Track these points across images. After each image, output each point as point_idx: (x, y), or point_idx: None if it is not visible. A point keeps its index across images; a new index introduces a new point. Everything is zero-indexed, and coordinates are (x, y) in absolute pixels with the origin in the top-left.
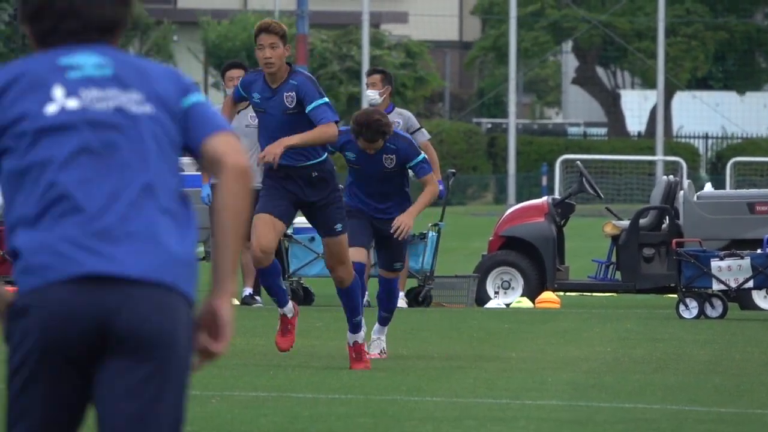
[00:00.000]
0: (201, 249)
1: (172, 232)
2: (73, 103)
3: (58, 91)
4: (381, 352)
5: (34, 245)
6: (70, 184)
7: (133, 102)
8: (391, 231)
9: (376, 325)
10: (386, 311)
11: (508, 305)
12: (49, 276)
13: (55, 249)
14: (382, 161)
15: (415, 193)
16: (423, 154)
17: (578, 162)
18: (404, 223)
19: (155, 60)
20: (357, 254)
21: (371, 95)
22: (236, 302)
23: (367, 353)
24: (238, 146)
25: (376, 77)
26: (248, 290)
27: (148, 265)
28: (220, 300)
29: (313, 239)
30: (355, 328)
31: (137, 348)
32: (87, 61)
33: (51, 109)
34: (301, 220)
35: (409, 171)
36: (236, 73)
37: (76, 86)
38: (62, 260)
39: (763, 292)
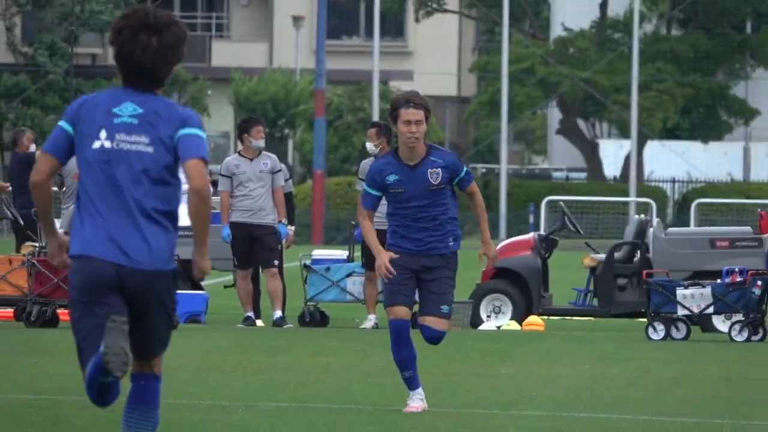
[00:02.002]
0: (230, 277)
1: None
2: (108, 142)
3: (103, 133)
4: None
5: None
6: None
7: (143, 142)
8: (484, 263)
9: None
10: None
11: (498, 328)
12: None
13: None
14: (427, 176)
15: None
16: (466, 168)
17: (561, 202)
18: (491, 253)
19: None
20: (398, 311)
21: (368, 146)
22: (261, 323)
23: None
24: (202, 171)
25: (372, 131)
26: (278, 313)
27: (140, 256)
28: (196, 256)
29: (329, 269)
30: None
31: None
32: (127, 109)
33: (95, 145)
34: (317, 252)
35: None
36: (259, 130)
37: (115, 130)
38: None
39: (722, 317)
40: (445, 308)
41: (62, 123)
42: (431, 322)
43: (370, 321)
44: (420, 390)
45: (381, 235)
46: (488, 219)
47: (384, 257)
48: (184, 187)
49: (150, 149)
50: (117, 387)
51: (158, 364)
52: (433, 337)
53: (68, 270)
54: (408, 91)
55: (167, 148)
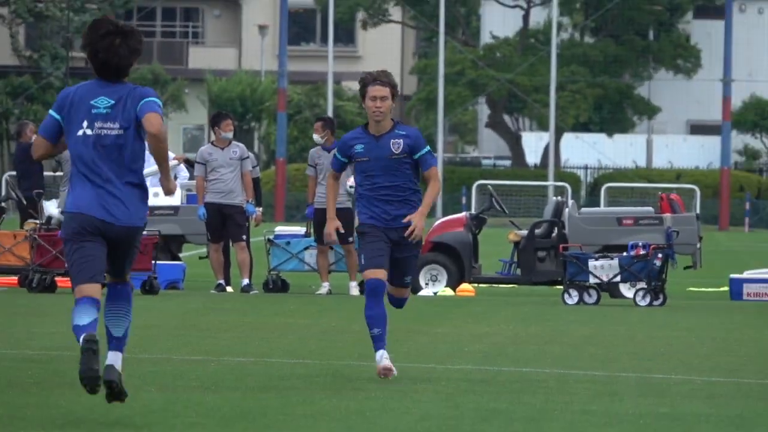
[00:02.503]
0: (204, 250)
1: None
2: (88, 130)
3: (85, 123)
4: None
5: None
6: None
7: (115, 129)
8: (405, 235)
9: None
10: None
11: (435, 293)
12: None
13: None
14: (390, 145)
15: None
16: (429, 147)
17: (489, 186)
18: (416, 224)
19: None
20: (375, 272)
21: (315, 137)
22: (231, 289)
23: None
24: (156, 120)
25: (318, 124)
26: (246, 280)
27: (120, 215)
28: (163, 181)
29: (289, 243)
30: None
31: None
32: (102, 102)
33: (79, 132)
34: (279, 228)
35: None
36: (228, 123)
37: (93, 119)
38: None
39: (627, 285)
40: (407, 279)
41: (52, 112)
42: (395, 291)
43: (324, 288)
44: (385, 351)
45: (342, 212)
46: (420, 198)
47: (331, 225)
48: (154, 168)
49: (121, 131)
50: (94, 325)
51: (127, 277)
52: (398, 302)
53: (63, 221)
54: (378, 70)
55: (135, 126)
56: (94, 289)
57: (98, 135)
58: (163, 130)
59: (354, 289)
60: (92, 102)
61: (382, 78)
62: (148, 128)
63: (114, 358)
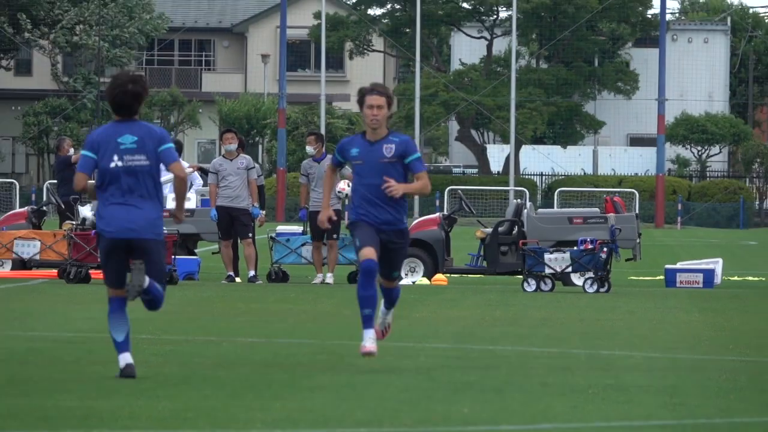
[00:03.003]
0: (216, 246)
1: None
2: (119, 162)
3: (115, 156)
4: (384, 328)
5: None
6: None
7: (141, 161)
8: (383, 187)
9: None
10: (389, 305)
11: (413, 282)
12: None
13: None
14: (382, 150)
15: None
16: (419, 154)
17: (459, 191)
18: (397, 186)
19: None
20: (368, 253)
21: (308, 149)
22: (239, 280)
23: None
24: (180, 167)
25: (311, 137)
26: (252, 272)
27: (142, 228)
28: (176, 212)
29: (288, 240)
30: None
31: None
32: (127, 139)
33: (111, 165)
34: (280, 228)
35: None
36: (230, 136)
37: (122, 153)
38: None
39: (578, 275)
40: (395, 274)
41: (86, 152)
42: (385, 283)
43: (318, 278)
44: (372, 331)
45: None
46: (406, 203)
47: (325, 214)
48: (170, 176)
49: (146, 163)
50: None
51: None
52: (388, 292)
53: (100, 241)
54: (375, 82)
55: (155, 158)
56: (121, 292)
57: (126, 165)
58: (184, 175)
59: (330, 279)
60: (119, 140)
61: (379, 89)
62: (177, 174)
63: (124, 358)
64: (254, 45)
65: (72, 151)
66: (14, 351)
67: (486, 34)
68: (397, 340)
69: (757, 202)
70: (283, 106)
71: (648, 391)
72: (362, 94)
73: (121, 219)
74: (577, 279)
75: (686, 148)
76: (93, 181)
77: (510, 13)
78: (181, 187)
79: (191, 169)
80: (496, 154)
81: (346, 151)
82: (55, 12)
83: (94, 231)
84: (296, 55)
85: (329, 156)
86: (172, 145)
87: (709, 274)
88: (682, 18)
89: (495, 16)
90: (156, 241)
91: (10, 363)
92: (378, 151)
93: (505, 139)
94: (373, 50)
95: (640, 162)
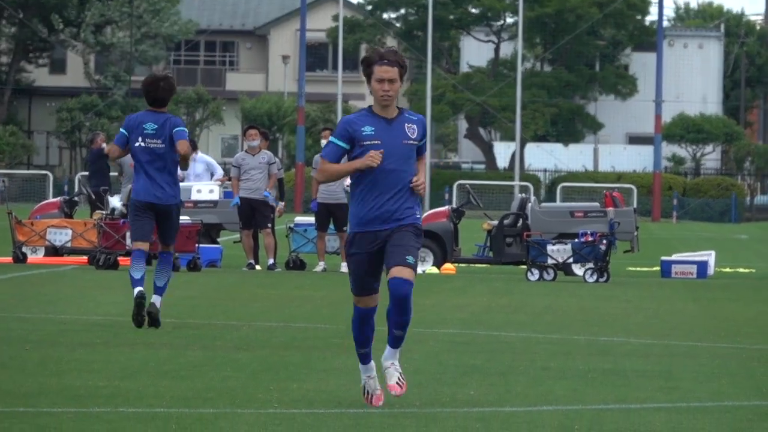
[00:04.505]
0: (237, 235)
1: (173, 184)
2: (142, 143)
3: (140, 138)
4: (398, 381)
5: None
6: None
7: (158, 144)
8: (414, 186)
9: (387, 349)
10: (398, 327)
11: (424, 271)
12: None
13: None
14: (405, 129)
15: None
16: None
17: (467, 185)
18: (423, 180)
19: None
20: (368, 300)
21: (323, 142)
22: (259, 267)
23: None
24: (186, 145)
25: (326, 132)
26: (271, 260)
27: (164, 197)
28: (182, 164)
29: (305, 230)
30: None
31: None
32: (150, 126)
33: (137, 144)
34: (298, 219)
35: None
36: (253, 132)
37: (145, 137)
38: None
39: (579, 265)
40: (409, 258)
41: (123, 130)
42: (397, 271)
43: (320, 266)
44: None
45: (339, 207)
46: (418, 198)
47: (369, 156)
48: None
49: (162, 146)
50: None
51: (171, 247)
52: (398, 286)
53: (131, 205)
54: (384, 48)
55: (170, 142)
56: (144, 245)
57: (148, 146)
58: (187, 149)
59: (344, 268)
60: (144, 125)
61: (389, 57)
62: (180, 150)
63: (156, 300)
64: (275, 46)
65: (104, 145)
66: (46, 333)
67: (493, 38)
68: (409, 327)
69: (748, 198)
70: (302, 104)
71: (644, 376)
72: (369, 62)
73: (147, 187)
74: (577, 269)
75: (682, 147)
76: (120, 153)
77: (516, 19)
78: (184, 160)
79: (219, 181)
80: (503, 151)
81: (357, 131)
82: (84, 13)
83: (122, 220)
84: (315, 57)
85: None
86: (184, 128)
87: (702, 266)
88: (678, 24)
89: (502, 22)
90: (171, 204)
91: (42, 344)
92: (399, 130)
93: (511, 137)
94: None
95: (638, 159)
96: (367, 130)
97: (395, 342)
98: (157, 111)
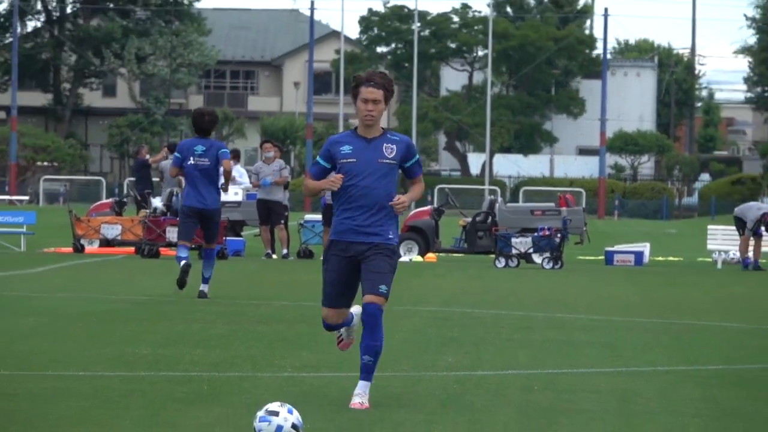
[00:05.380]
0: (257, 230)
1: (216, 193)
2: (192, 162)
3: (191, 158)
4: (361, 402)
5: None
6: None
7: (206, 162)
8: (392, 205)
9: (359, 384)
10: (369, 352)
11: (410, 260)
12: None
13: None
14: (382, 149)
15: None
16: (418, 156)
17: (446, 189)
18: (404, 199)
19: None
20: (335, 316)
21: None
22: (275, 257)
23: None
24: (229, 164)
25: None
26: (285, 251)
27: (210, 203)
28: (225, 186)
29: (314, 225)
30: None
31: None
32: (199, 148)
33: (189, 162)
34: (308, 216)
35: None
36: (268, 146)
37: (195, 157)
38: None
39: (538, 255)
40: (382, 288)
41: (176, 154)
42: (371, 298)
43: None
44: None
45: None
46: (395, 216)
47: (329, 179)
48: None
49: (209, 163)
50: (189, 261)
51: (214, 244)
52: (371, 312)
53: (181, 209)
54: (373, 70)
55: (215, 161)
56: (187, 244)
57: (197, 164)
58: (230, 166)
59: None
60: (194, 148)
61: (375, 79)
62: (225, 167)
63: (204, 287)
64: (288, 75)
65: (148, 156)
66: (100, 310)
67: (467, 67)
68: (398, 304)
69: (677, 200)
70: (310, 122)
71: (591, 346)
72: (357, 84)
73: (195, 196)
74: (537, 258)
75: (622, 158)
76: (179, 172)
77: (486, 52)
78: (226, 174)
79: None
80: (475, 161)
81: (336, 151)
82: (126, 47)
83: (163, 217)
84: (321, 83)
85: None
86: (227, 150)
87: (639, 255)
88: (620, 57)
89: (475, 54)
90: (214, 209)
91: (97, 319)
92: (376, 150)
93: (482, 149)
94: None
95: (587, 168)
96: (346, 149)
97: (366, 371)
98: (203, 138)
